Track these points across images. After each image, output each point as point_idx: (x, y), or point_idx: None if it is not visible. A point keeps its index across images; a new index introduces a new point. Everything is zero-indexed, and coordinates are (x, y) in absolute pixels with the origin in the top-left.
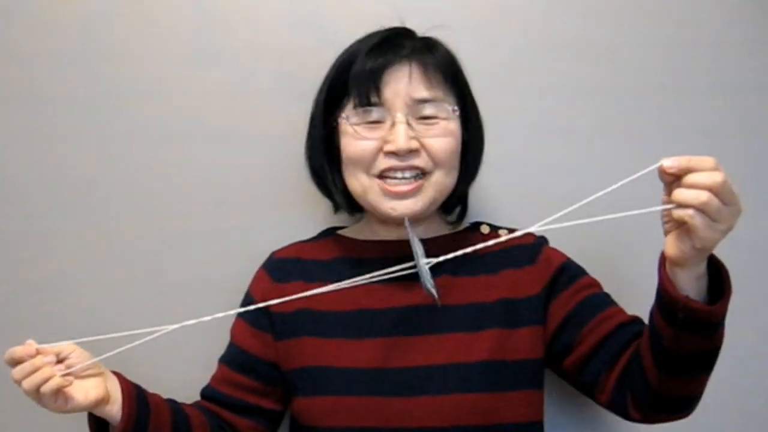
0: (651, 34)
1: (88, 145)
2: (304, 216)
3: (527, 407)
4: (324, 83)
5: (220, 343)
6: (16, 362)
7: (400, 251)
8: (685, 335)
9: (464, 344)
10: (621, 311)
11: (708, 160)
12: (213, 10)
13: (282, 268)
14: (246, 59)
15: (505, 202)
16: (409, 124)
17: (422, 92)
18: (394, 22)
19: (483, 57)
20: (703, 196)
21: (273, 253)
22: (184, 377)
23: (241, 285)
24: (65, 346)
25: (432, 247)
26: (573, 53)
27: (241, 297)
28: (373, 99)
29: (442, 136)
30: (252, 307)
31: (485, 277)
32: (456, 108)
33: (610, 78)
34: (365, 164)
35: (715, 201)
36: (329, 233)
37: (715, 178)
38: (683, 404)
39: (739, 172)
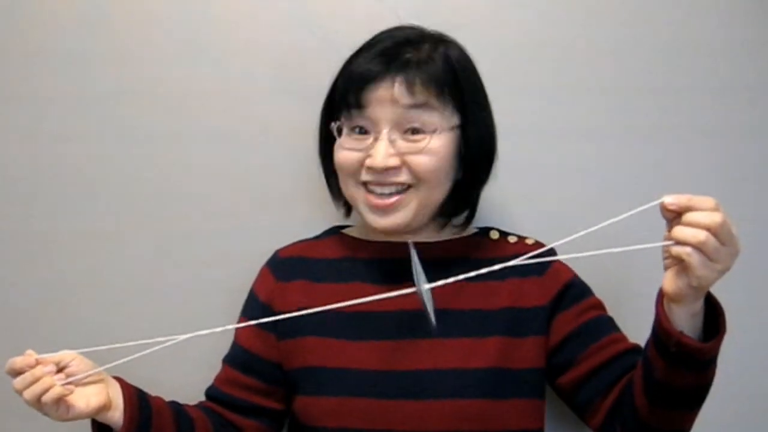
0: (659, 35)
1: (88, 146)
2: (308, 214)
3: (528, 415)
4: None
5: (224, 344)
6: (16, 373)
7: (405, 253)
8: (676, 369)
9: (467, 350)
10: (623, 338)
11: (708, 200)
12: (213, 9)
13: (286, 266)
14: (247, 59)
15: (509, 206)
16: (392, 140)
17: (406, 102)
18: (393, 23)
19: (487, 58)
20: (701, 235)
21: (277, 252)
22: (187, 378)
23: (245, 284)
24: (65, 355)
25: (437, 251)
26: (581, 55)
27: (244, 296)
28: (355, 109)
29: (426, 154)
30: (271, 319)
31: (491, 284)
32: (454, 119)
33: (618, 81)
34: (351, 174)
35: (713, 241)
36: (334, 231)
37: (714, 218)
38: None
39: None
